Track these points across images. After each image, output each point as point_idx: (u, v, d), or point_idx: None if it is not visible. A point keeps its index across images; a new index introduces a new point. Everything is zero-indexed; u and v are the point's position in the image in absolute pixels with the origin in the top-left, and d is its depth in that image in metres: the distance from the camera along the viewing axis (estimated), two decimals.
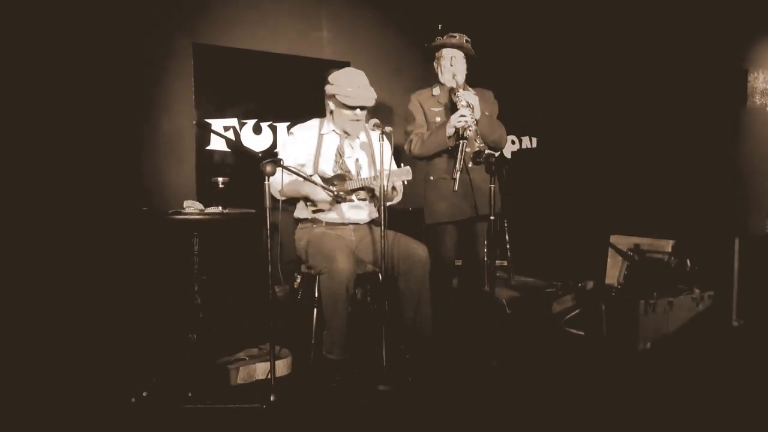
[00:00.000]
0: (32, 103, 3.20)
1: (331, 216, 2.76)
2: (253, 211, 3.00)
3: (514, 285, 4.19)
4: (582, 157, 4.92)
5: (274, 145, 4.01)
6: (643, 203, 4.34)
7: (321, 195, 2.68)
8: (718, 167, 4.02)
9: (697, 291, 3.23)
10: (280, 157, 2.62)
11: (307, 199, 2.75)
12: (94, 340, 3.00)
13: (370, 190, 2.78)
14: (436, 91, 3.01)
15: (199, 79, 3.74)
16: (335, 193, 2.67)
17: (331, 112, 2.82)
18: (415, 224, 3.49)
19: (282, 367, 2.62)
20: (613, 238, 3.74)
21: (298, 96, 4.01)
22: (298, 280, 3.00)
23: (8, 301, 3.03)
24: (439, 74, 3.02)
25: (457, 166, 2.72)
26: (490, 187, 2.57)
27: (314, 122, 2.86)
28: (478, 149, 2.78)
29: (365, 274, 2.72)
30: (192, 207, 2.92)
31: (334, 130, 2.82)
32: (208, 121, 3.81)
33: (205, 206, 2.96)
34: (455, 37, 2.97)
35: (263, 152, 3.95)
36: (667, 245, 3.46)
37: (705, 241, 3.51)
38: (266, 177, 2.21)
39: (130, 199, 3.47)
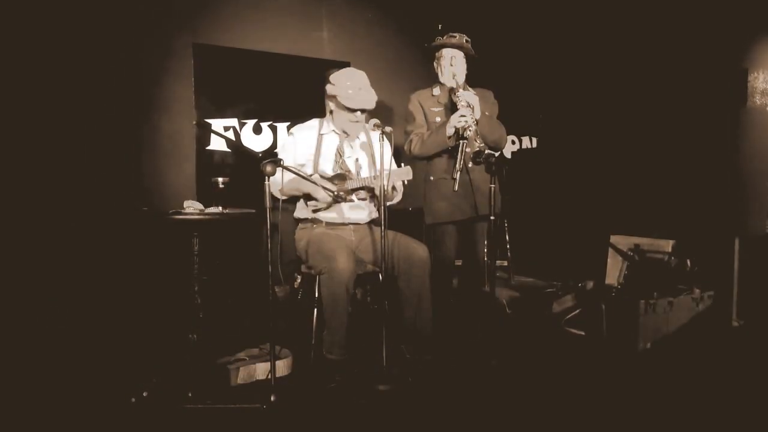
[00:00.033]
0: (33, 104, 3.20)
1: (331, 216, 2.76)
2: (253, 211, 3.00)
3: (514, 285, 4.19)
4: (582, 157, 4.92)
5: (274, 145, 4.01)
6: (643, 203, 4.34)
7: (321, 194, 2.68)
8: (718, 167, 4.02)
9: (697, 291, 3.23)
10: (279, 157, 2.62)
11: (307, 198, 2.74)
12: (94, 340, 3.00)
13: (370, 190, 2.78)
14: (436, 91, 3.01)
15: (199, 79, 3.74)
16: (335, 192, 2.67)
17: (331, 112, 2.82)
18: (415, 224, 3.49)
19: (282, 367, 2.62)
20: (613, 238, 3.74)
21: (298, 96, 4.01)
22: (298, 280, 3.00)
23: (8, 301, 3.03)
24: (439, 74, 3.02)
25: (457, 166, 2.72)
26: (490, 187, 2.57)
27: (314, 122, 2.86)
28: (478, 149, 2.78)
29: (365, 274, 2.72)
30: (192, 207, 2.92)
31: (333, 130, 2.82)
32: (208, 121, 3.81)
33: (205, 206, 2.96)
34: (455, 37, 2.97)
35: (263, 152, 3.95)
36: (667, 245, 3.46)
37: (705, 241, 3.51)
38: (266, 177, 2.20)
39: (131, 199, 3.47)
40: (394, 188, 2.79)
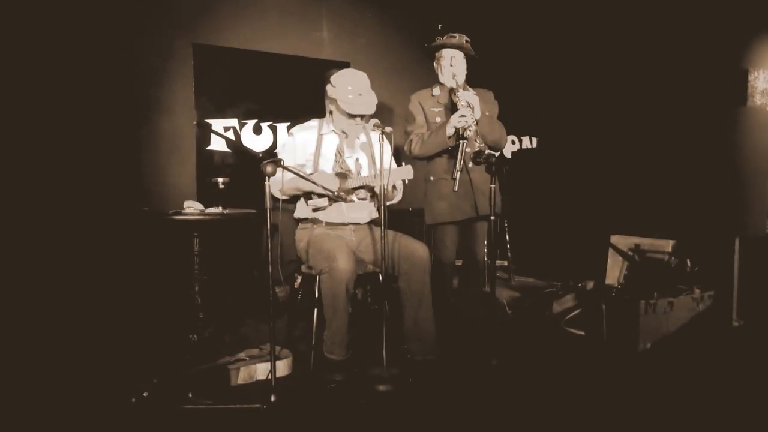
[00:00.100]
0: (33, 104, 3.21)
1: (331, 216, 2.76)
2: (254, 211, 3.01)
3: (514, 285, 4.20)
4: (582, 157, 4.92)
5: (274, 145, 4.01)
6: (644, 203, 4.34)
7: (321, 195, 2.68)
8: (718, 167, 4.01)
9: (697, 291, 3.23)
10: (279, 157, 2.62)
11: (308, 197, 2.74)
12: (94, 340, 3.00)
13: (371, 189, 2.78)
14: (436, 91, 3.01)
15: (199, 80, 3.75)
16: (336, 192, 2.67)
17: (331, 113, 2.82)
18: (415, 224, 3.50)
19: (282, 367, 2.62)
20: (614, 238, 3.74)
21: (299, 96, 4.02)
22: (299, 281, 3.00)
23: (8, 301, 3.04)
24: (439, 74, 3.02)
25: (458, 166, 2.72)
26: (491, 187, 2.57)
27: (314, 122, 2.86)
28: (478, 149, 2.78)
29: (366, 274, 2.72)
30: (192, 207, 2.93)
31: (333, 131, 2.82)
32: (209, 121, 3.81)
33: (206, 206, 2.97)
34: (455, 37, 2.97)
35: (263, 152, 3.96)
36: (668, 245, 3.46)
37: (705, 241, 3.51)
38: (266, 177, 2.21)
39: (131, 199, 3.48)
40: (394, 187, 2.79)
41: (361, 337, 2.82)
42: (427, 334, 2.68)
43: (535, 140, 5.21)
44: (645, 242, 3.57)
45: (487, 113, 2.92)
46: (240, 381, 2.54)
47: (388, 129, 2.49)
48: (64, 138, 3.29)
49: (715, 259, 3.45)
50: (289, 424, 2.18)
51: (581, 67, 4.84)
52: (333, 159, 2.77)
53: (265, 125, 4.01)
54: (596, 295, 3.44)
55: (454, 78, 2.93)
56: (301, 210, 2.81)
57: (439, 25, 3.14)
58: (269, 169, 2.20)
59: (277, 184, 2.56)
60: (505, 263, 4.43)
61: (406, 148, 3.00)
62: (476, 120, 2.83)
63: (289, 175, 2.57)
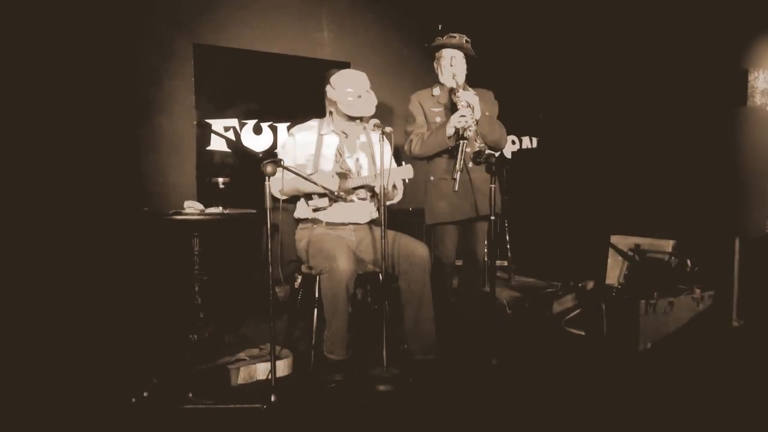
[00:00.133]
0: (34, 105, 3.21)
1: (331, 216, 2.76)
2: (254, 211, 3.01)
3: (514, 285, 4.20)
4: (582, 157, 4.92)
5: (274, 145, 4.02)
6: (644, 203, 4.34)
7: (321, 195, 2.69)
8: (718, 167, 4.01)
9: (697, 291, 3.23)
10: (279, 157, 2.62)
11: (308, 198, 2.75)
12: (94, 340, 3.00)
13: (371, 189, 2.78)
14: (436, 91, 3.01)
15: (199, 80, 3.75)
16: (336, 192, 2.67)
17: (331, 113, 2.82)
18: (415, 224, 3.50)
19: (282, 367, 2.62)
20: (614, 238, 3.74)
21: (299, 96, 4.02)
22: (299, 281, 3.00)
23: (8, 301, 3.04)
24: (439, 74, 3.02)
25: (458, 166, 2.72)
26: (491, 187, 2.57)
27: (314, 122, 2.86)
28: (478, 149, 2.78)
29: (366, 274, 2.72)
30: (192, 207, 2.93)
31: (333, 131, 2.82)
32: (209, 121, 3.81)
33: (206, 206, 2.97)
34: (455, 37, 2.97)
35: (263, 152, 3.96)
36: (668, 245, 3.46)
37: (705, 241, 3.50)
38: (266, 177, 2.21)
39: (131, 199, 3.48)
40: (394, 187, 2.79)
41: (361, 337, 2.82)
42: (427, 333, 2.68)
43: (535, 140, 5.21)
44: (645, 242, 3.57)
45: (487, 113, 2.92)
46: (240, 381, 2.54)
47: (388, 129, 2.49)
48: (64, 138, 3.30)
49: (715, 259, 3.45)
50: (289, 424, 2.18)
51: (581, 67, 4.84)
52: (333, 159, 2.78)
53: (265, 125, 4.01)
54: (596, 295, 3.44)
55: (454, 78, 2.93)
56: (301, 210, 2.81)
57: (439, 25, 3.14)
58: (269, 169, 2.20)
59: (277, 185, 2.57)
60: (505, 263, 4.43)
61: (406, 148, 3.00)
62: (476, 120, 2.83)
63: (289, 176, 2.58)
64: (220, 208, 2.95)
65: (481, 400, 2.38)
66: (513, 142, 5.10)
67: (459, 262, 3.07)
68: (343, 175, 2.74)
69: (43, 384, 2.52)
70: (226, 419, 2.19)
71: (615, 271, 3.69)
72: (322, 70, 3.59)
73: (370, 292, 3.45)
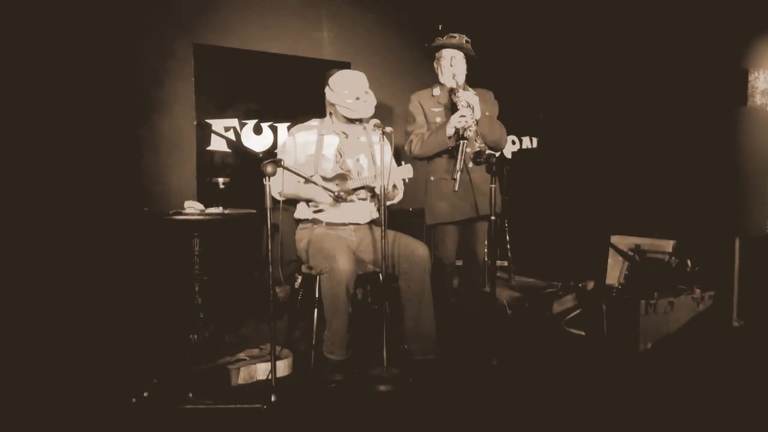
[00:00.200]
0: (34, 105, 3.21)
1: (331, 216, 2.76)
2: (254, 211, 3.01)
3: (514, 285, 4.20)
4: (582, 157, 4.92)
5: (274, 145, 4.02)
6: (644, 203, 4.34)
7: (321, 196, 2.69)
8: (719, 167, 4.01)
9: (697, 291, 3.23)
10: (279, 158, 2.62)
11: (308, 201, 2.76)
12: (94, 340, 3.00)
13: (371, 189, 2.78)
14: (436, 91, 3.01)
15: (199, 80, 3.75)
16: (336, 193, 2.68)
17: (331, 114, 2.82)
18: (415, 224, 3.50)
19: (283, 367, 2.62)
20: (614, 239, 3.74)
21: (299, 96, 4.02)
22: (299, 281, 3.00)
23: (8, 301, 3.04)
24: (439, 75, 3.02)
25: (458, 166, 2.72)
26: (491, 188, 2.57)
27: (314, 122, 2.87)
28: (478, 149, 2.78)
29: (366, 274, 2.72)
30: (192, 207, 2.93)
31: (333, 131, 2.82)
32: (209, 121, 3.81)
33: (206, 207, 2.97)
34: (455, 37, 2.97)
35: (264, 152, 3.96)
36: (668, 245, 3.46)
37: (705, 241, 3.50)
38: (267, 177, 2.21)
39: (131, 199, 3.48)
40: (395, 187, 2.79)
41: (361, 337, 2.82)
42: (428, 333, 2.68)
43: (535, 140, 5.21)
44: (645, 242, 3.56)
45: (487, 113, 2.92)
46: (240, 381, 2.54)
47: (388, 129, 2.49)
48: (64, 138, 3.30)
49: (716, 259, 3.45)
50: (289, 424, 2.18)
51: (581, 67, 4.84)
52: (333, 159, 2.78)
53: (265, 125, 4.01)
54: (596, 295, 3.44)
55: (454, 78, 2.94)
56: (302, 210, 2.81)
57: (439, 26, 3.14)
58: (269, 169, 2.20)
59: (277, 186, 2.57)
60: (506, 263, 4.43)
61: (406, 148, 3.00)
62: (476, 120, 2.83)
63: (288, 177, 2.58)
64: (221, 208, 2.95)
65: (481, 400, 2.38)
66: (513, 142, 5.10)
67: (459, 262, 3.07)
68: (343, 176, 2.74)
69: (43, 384, 2.52)
70: (226, 419, 2.19)
71: (615, 271, 3.69)
72: (322, 70, 3.58)
73: (371, 292, 3.45)
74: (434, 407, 2.32)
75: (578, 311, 3.42)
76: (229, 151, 3.89)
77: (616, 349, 3.02)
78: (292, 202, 2.82)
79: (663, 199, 4.27)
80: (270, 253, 2.24)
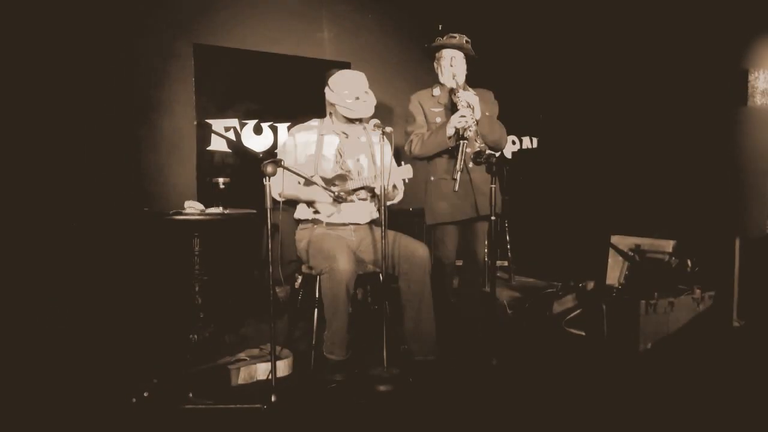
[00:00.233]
0: (34, 105, 3.21)
1: (331, 216, 2.76)
2: (254, 211, 3.01)
3: (514, 285, 4.20)
4: (582, 157, 4.93)
5: (274, 145, 4.02)
6: (644, 203, 4.34)
7: (322, 196, 2.69)
8: (719, 167, 4.02)
9: (697, 291, 3.23)
10: (279, 158, 2.62)
11: (307, 202, 2.76)
12: (94, 340, 3.00)
13: (371, 190, 2.78)
14: (437, 91, 3.01)
15: (199, 80, 3.75)
16: (336, 193, 2.68)
17: (331, 114, 2.83)
18: (415, 224, 3.50)
19: (283, 367, 2.62)
20: (614, 239, 3.74)
21: (299, 96, 4.01)
22: (299, 281, 3.01)
23: (8, 301, 3.04)
24: (439, 75, 3.02)
25: (458, 166, 2.72)
26: (491, 188, 2.57)
27: (314, 123, 2.87)
28: (478, 149, 2.78)
29: (366, 274, 2.72)
30: (193, 207, 2.93)
31: (334, 131, 2.82)
32: (209, 121, 3.81)
33: (206, 207, 2.97)
34: (455, 37, 2.97)
35: (264, 153, 3.96)
36: (668, 245, 3.45)
37: (706, 242, 3.50)
38: (267, 177, 2.21)
39: (131, 199, 3.48)
40: (395, 187, 2.79)
41: (361, 337, 2.82)
42: (428, 334, 2.68)
43: (535, 140, 5.21)
44: (645, 242, 3.56)
45: (487, 113, 2.92)
46: (240, 381, 2.54)
47: (388, 129, 2.49)
48: (64, 138, 3.30)
49: (716, 259, 3.45)
50: (290, 424, 2.18)
51: (581, 67, 4.84)
52: (333, 160, 2.78)
53: (265, 125, 4.01)
54: (597, 295, 3.44)
55: (454, 78, 2.94)
56: (302, 210, 2.81)
57: (440, 26, 3.14)
58: (269, 169, 2.20)
59: (277, 187, 2.57)
60: (506, 263, 4.43)
61: (406, 148, 3.00)
62: (476, 120, 2.83)
63: (289, 177, 2.58)
64: (221, 208, 2.95)
65: (481, 400, 2.38)
66: (513, 142, 5.10)
67: (459, 263, 3.07)
68: (342, 177, 2.75)
69: (44, 384, 2.52)
70: (226, 419, 2.19)
71: (615, 271, 3.69)
72: (322, 71, 3.58)
73: (371, 292, 3.45)
74: (434, 407, 2.32)
75: (578, 311, 3.42)
76: (230, 151, 3.89)
77: (616, 349, 3.02)
78: (292, 203, 2.82)
79: (663, 199, 4.28)
80: (270, 253, 2.24)
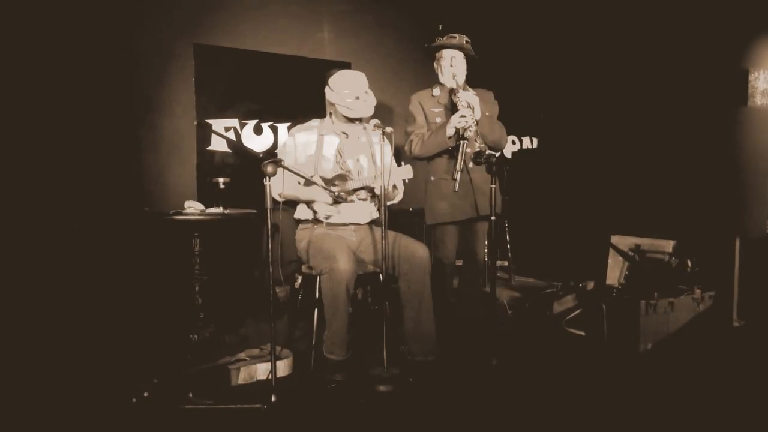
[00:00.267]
0: (34, 105, 3.21)
1: (331, 217, 2.76)
2: (254, 211, 3.02)
3: (514, 285, 4.20)
4: (582, 157, 4.92)
5: (274, 145, 4.02)
6: (644, 203, 4.34)
7: (322, 196, 2.69)
8: (719, 167, 4.02)
9: (697, 291, 3.23)
10: (280, 158, 2.62)
11: (307, 203, 2.76)
12: (94, 340, 3.01)
13: (371, 190, 2.78)
14: (437, 91, 3.01)
15: (200, 80, 3.75)
16: (336, 193, 2.68)
17: (331, 114, 2.83)
18: (415, 224, 3.50)
19: (283, 367, 2.62)
20: (614, 239, 3.74)
21: (299, 97, 4.01)
22: (299, 281, 3.01)
23: (8, 301, 3.04)
24: (440, 75, 3.02)
25: (458, 166, 2.72)
26: (491, 188, 2.57)
27: (314, 123, 2.87)
28: (478, 149, 2.78)
29: (366, 274, 2.72)
30: (193, 207, 2.93)
31: (334, 131, 2.82)
32: (209, 121, 3.81)
33: (206, 207, 2.97)
34: (455, 37, 2.97)
35: (264, 153, 3.96)
36: (668, 245, 3.45)
37: (706, 242, 3.50)
38: (267, 177, 2.21)
39: (132, 199, 3.48)
40: (395, 187, 2.79)
41: (361, 337, 2.82)
42: (427, 334, 2.68)
43: (535, 140, 5.21)
44: (645, 242, 3.56)
45: (487, 113, 2.92)
46: (240, 381, 2.54)
47: (388, 129, 2.49)
48: (64, 138, 3.30)
49: (716, 260, 3.45)
50: (290, 424, 2.18)
51: (581, 67, 4.84)
52: (333, 160, 2.78)
53: (265, 125, 4.01)
54: (597, 295, 3.44)
55: (454, 78, 2.94)
56: (302, 210, 2.81)
57: (440, 26, 3.14)
58: (270, 169, 2.20)
59: (277, 188, 2.57)
60: (506, 263, 4.43)
61: (406, 148, 3.00)
62: (476, 120, 2.83)
63: (289, 177, 2.58)
64: (221, 208, 2.95)
65: (481, 400, 2.38)
66: (513, 142, 5.10)
67: (459, 263, 3.08)
68: (342, 177, 2.75)
69: (44, 384, 2.52)
70: (226, 419, 2.19)
71: (615, 271, 3.69)
72: (322, 71, 3.58)
73: (371, 292, 3.45)
74: (434, 407, 2.32)
75: (578, 311, 3.42)
76: (230, 151, 3.89)
77: (616, 349, 3.02)
78: (292, 203, 2.82)
79: (663, 199, 4.27)
80: (270, 253, 2.24)
